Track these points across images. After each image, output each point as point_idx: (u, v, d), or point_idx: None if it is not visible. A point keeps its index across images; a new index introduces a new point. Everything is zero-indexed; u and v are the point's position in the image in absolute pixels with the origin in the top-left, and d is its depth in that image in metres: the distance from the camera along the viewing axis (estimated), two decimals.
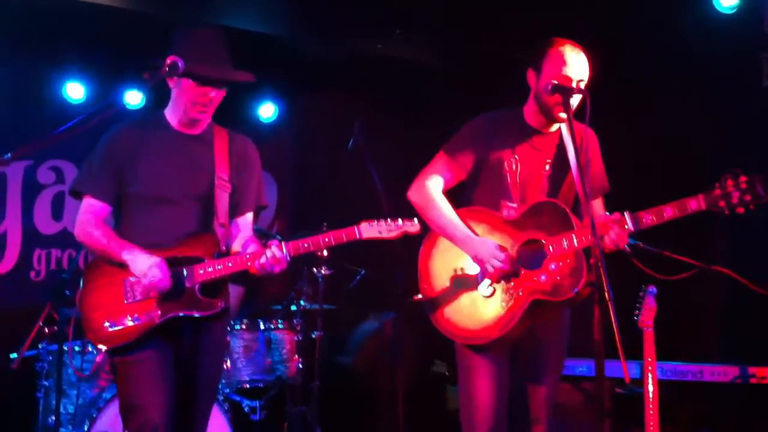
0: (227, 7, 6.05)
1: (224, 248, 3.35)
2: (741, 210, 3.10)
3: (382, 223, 3.29)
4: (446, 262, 3.47)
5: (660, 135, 5.50)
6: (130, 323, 3.22)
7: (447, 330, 3.42)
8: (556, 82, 3.28)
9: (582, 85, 3.33)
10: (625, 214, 3.20)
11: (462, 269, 3.42)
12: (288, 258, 3.23)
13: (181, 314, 3.23)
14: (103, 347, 3.30)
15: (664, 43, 5.43)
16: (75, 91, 6.43)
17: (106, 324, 3.24)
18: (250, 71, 3.36)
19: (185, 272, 3.26)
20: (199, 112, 3.35)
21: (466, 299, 3.39)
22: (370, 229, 3.28)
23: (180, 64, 3.15)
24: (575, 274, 3.21)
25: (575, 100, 3.31)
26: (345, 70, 6.61)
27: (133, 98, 6.38)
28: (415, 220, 3.35)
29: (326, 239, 3.24)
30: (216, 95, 3.34)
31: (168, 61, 3.14)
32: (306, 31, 6.37)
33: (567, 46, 3.36)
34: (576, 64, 3.33)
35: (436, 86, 6.57)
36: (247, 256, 3.27)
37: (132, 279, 3.24)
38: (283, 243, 3.23)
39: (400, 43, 6.55)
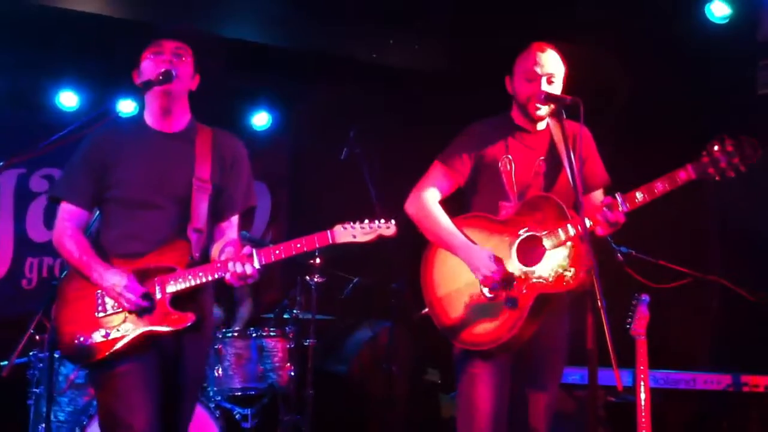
0: (222, 16, 6.06)
1: (197, 255, 3.17)
2: (731, 174, 3.12)
3: (357, 225, 3.06)
4: (449, 270, 3.46)
5: (656, 145, 5.51)
6: (100, 339, 3.06)
7: (458, 338, 3.39)
8: (544, 92, 3.34)
9: (554, 80, 3.39)
10: (616, 195, 3.21)
11: (466, 276, 3.39)
12: (258, 267, 3.02)
13: (150, 329, 3.06)
14: (74, 362, 3.14)
15: (658, 53, 5.44)
16: (68, 99, 6.43)
17: (76, 339, 3.09)
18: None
19: (156, 284, 3.10)
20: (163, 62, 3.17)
21: (472, 305, 3.37)
22: (343, 233, 3.05)
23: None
24: (575, 264, 3.21)
25: (545, 85, 3.36)
26: (339, 78, 6.61)
27: (127, 107, 6.35)
28: (392, 222, 3.10)
29: (298, 245, 3.05)
30: (173, 48, 3.19)
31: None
32: (300, 39, 6.38)
33: (534, 45, 3.44)
34: (542, 61, 3.40)
35: (432, 94, 6.58)
36: (218, 265, 3.08)
37: (103, 292, 3.10)
38: (255, 251, 3.03)
39: (396, 50, 6.57)
